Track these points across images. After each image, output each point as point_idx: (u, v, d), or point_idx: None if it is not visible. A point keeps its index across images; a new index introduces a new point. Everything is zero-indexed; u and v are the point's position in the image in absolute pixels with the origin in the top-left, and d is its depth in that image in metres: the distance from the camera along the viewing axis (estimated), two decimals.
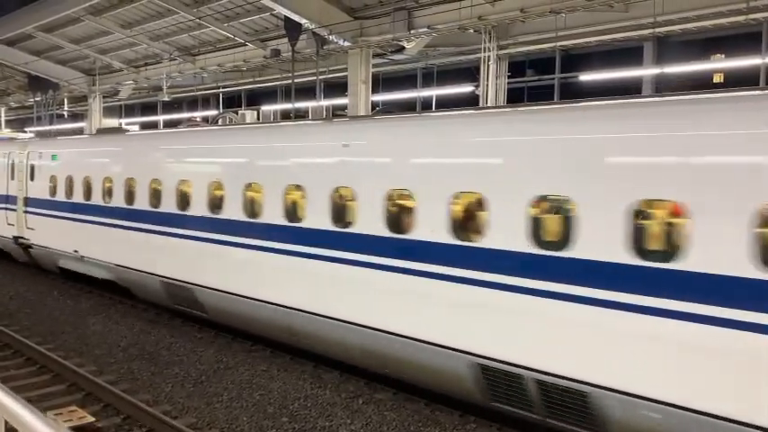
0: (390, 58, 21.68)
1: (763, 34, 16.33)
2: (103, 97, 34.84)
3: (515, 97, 21.01)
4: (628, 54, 19.50)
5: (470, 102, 21.06)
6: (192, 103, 37.04)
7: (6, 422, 3.18)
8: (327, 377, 10.17)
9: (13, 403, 2.89)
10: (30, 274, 18.28)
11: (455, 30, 17.90)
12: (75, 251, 15.53)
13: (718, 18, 15.33)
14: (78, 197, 15.47)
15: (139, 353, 11.41)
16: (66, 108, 39.67)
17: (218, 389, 9.70)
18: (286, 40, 20.89)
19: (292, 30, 20.04)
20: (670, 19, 15.62)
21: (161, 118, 39.34)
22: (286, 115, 20.91)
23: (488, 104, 19.32)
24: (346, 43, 19.95)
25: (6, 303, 14.85)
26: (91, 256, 15.08)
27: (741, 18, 14.70)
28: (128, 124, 41.70)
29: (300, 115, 25.72)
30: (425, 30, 18.24)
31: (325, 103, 22.67)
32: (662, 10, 15.22)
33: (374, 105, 22.15)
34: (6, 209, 18.71)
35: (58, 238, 16.43)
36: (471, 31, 18.43)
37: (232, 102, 34.57)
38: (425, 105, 23.78)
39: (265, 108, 30.08)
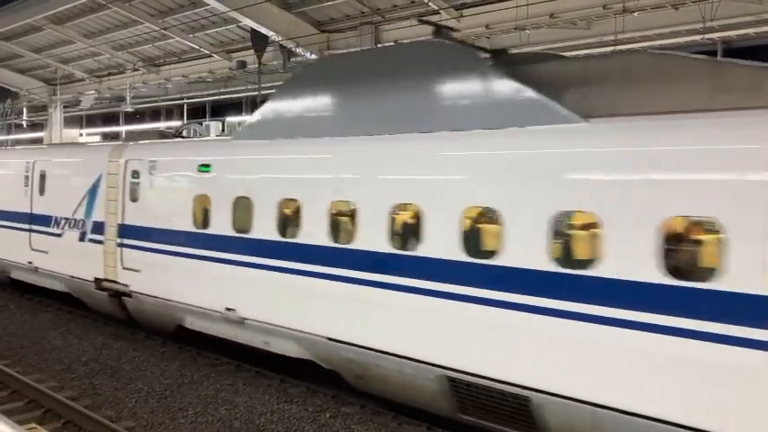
0: None
1: (718, 53, 16.85)
2: (64, 107, 34.28)
3: None
4: None
5: None
6: (156, 114, 36.65)
7: None
8: (294, 391, 10.10)
9: None
10: None
11: None
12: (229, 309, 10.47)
13: (677, 37, 15.80)
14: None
15: (101, 367, 11.18)
16: (24, 118, 38.92)
17: (183, 404, 9.55)
18: (252, 51, 20.87)
19: (259, 42, 20.03)
20: (632, 37, 16.02)
21: (123, 129, 38.82)
22: None
23: None
24: (313, 56, 20.00)
25: None
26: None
27: (698, 37, 15.17)
28: (89, 135, 41.09)
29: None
30: (392, 44, 18.36)
31: None
32: (623, 27, 15.62)
33: None
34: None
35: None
36: None
37: (196, 113, 34.31)
38: None
39: (230, 119, 29.88)
